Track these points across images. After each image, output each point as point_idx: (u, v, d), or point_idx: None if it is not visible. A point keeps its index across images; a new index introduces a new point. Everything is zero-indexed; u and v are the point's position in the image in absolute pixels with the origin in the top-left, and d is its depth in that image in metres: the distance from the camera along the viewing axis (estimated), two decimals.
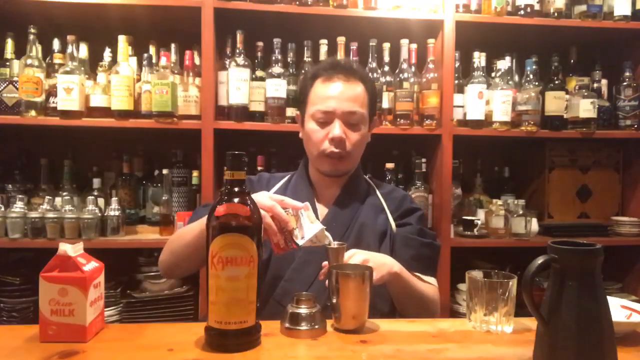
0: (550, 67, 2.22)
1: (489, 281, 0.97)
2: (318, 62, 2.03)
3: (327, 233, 1.06)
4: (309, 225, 1.05)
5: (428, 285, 1.30)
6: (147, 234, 2.05)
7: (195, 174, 2.08)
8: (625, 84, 2.26)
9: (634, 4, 2.16)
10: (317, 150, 1.31)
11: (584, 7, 2.15)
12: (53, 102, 1.92)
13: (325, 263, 1.07)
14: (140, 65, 2.06)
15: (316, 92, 1.33)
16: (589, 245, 0.76)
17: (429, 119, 2.06)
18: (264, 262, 1.22)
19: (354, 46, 2.06)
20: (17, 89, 1.92)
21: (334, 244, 1.07)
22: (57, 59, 2.01)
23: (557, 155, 2.34)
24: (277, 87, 1.99)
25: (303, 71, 1.98)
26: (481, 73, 2.15)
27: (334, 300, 0.96)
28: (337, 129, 1.27)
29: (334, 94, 1.29)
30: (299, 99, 1.46)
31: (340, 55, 2.02)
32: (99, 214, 1.94)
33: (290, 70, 2.07)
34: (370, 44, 2.07)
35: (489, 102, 2.14)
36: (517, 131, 2.14)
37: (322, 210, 1.35)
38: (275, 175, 1.49)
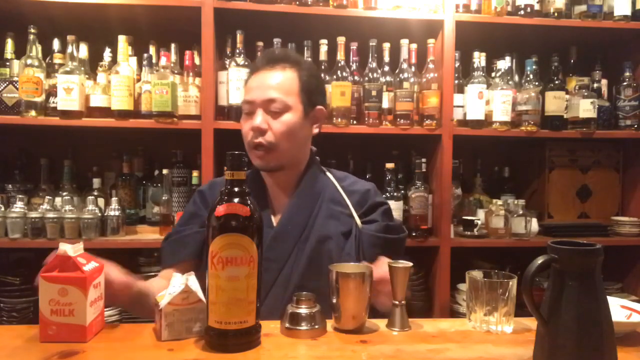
0: (550, 67, 2.22)
1: (489, 281, 0.97)
2: (318, 62, 2.04)
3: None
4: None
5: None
6: (147, 234, 2.05)
7: (195, 174, 2.08)
8: (625, 84, 2.26)
9: (634, 4, 2.16)
10: (246, 143, 1.27)
11: (584, 7, 2.15)
12: (53, 102, 1.92)
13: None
14: (140, 65, 2.06)
15: (246, 86, 1.30)
16: (589, 245, 0.76)
17: (429, 119, 2.06)
18: None
19: (354, 46, 2.06)
20: (17, 89, 1.92)
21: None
22: (57, 59, 2.01)
23: (557, 155, 2.34)
24: None
25: None
26: (481, 73, 2.15)
27: (334, 300, 0.96)
28: (257, 117, 1.23)
29: (256, 83, 1.25)
30: None
31: (340, 55, 2.02)
32: (99, 214, 1.94)
33: None
34: (370, 44, 2.07)
35: (489, 102, 2.14)
36: (517, 131, 2.14)
37: (275, 218, 1.28)
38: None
